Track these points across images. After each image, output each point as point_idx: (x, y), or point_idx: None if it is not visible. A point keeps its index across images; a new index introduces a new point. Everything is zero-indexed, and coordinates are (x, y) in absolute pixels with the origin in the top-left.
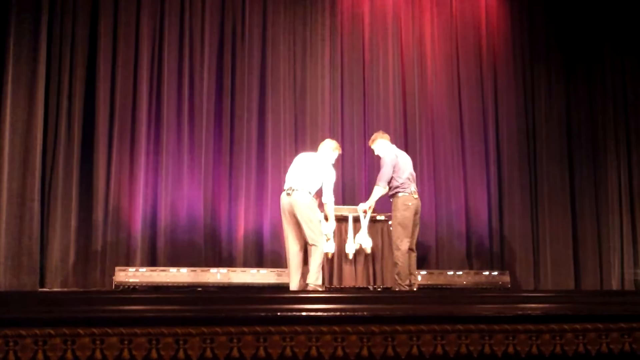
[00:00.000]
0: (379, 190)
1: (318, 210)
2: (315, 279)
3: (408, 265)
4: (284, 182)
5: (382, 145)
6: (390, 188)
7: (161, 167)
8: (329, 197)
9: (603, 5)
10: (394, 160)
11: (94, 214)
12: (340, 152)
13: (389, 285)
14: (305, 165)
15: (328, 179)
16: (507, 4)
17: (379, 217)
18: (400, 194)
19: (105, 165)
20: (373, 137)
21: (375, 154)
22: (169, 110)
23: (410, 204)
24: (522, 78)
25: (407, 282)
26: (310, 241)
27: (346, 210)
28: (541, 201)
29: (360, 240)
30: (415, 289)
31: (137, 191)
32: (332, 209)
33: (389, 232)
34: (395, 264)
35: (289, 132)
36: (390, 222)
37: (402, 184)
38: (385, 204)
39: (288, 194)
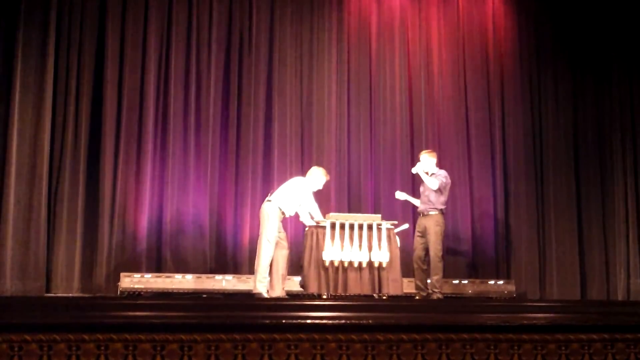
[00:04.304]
0: (434, 184)
1: (273, 226)
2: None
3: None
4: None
5: (433, 163)
6: (439, 202)
7: (167, 173)
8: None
9: (610, 14)
10: (449, 180)
11: (100, 220)
12: (328, 178)
13: (394, 294)
14: (288, 185)
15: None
16: (513, 12)
17: (385, 225)
18: (443, 212)
19: (111, 171)
20: (430, 153)
21: (426, 170)
22: (176, 117)
23: None
24: (528, 86)
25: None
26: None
27: (352, 219)
28: (547, 210)
29: (379, 256)
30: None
31: (143, 197)
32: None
33: (394, 239)
34: (437, 274)
35: (295, 139)
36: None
37: (446, 202)
38: (390, 212)
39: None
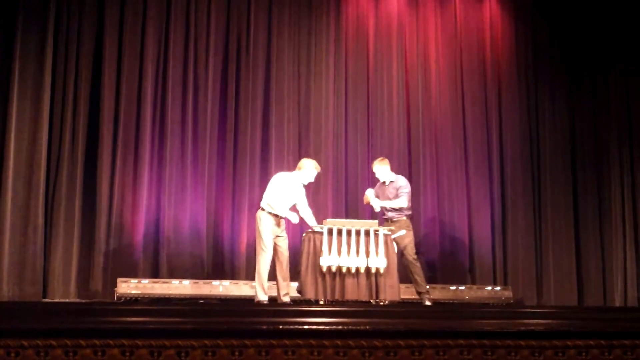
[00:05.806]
0: (404, 202)
1: (267, 233)
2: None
3: None
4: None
5: (387, 170)
6: (406, 208)
7: (164, 178)
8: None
9: (608, 18)
10: (409, 185)
11: (97, 225)
12: (319, 170)
13: (391, 299)
14: (272, 184)
15: (299, 197)
16: (511, 17)
17: (383, 231)
18: (409, 216)
19: (108, 176)
20: (382, 161)
21: (377, 176)
22: (173, 121)
23: None
24: (525, 90)
25: None
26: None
27: (349, 224)
28: (544, 217)
29: (376, 262)
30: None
31: (140, 202)
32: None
33: (391, 245)
34: (419, 275)
35: (292, 145)
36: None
37: (411, 206)
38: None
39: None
